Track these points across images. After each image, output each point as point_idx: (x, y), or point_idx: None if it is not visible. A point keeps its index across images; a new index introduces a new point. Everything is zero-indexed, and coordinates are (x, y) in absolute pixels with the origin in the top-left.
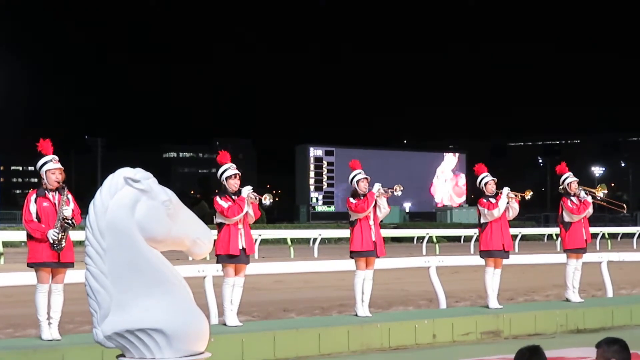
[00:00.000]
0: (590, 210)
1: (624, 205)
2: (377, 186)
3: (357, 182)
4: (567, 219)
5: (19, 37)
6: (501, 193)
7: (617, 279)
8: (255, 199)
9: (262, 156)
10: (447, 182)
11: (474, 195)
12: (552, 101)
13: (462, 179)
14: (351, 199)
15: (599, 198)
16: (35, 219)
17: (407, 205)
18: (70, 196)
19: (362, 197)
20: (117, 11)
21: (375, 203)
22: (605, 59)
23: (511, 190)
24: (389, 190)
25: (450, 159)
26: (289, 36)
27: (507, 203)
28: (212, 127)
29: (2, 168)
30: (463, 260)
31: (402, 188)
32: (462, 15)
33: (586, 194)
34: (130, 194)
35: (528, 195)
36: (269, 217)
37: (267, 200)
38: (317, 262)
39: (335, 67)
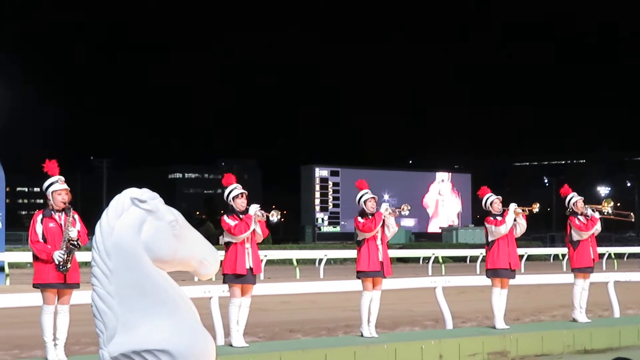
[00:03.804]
0: (598, 227)
1: (631, 213)
2: (384, 205)
3: (365, 201)
4: (575, 237)
5: (26, 58)
6: (508, 209)
7: (624, 299)
8: (263, 216)
9: (267, 177)
10: None
11: (480, 215)
12: (557, 120)
13: None
14: (359, 219)
15: (606, 213)
16: (41, 240)
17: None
18: (76, 217)
19: (370, 217)
20: (122, 33)
21: (383, 222)
22: (611, 76)
23: (518, 206)
24: (397, 210)
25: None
26: (290, 59)
27: (515, 219)
28: (218, 148)
29: (8, 189)
30: (469, 280)
31: (409, 207)
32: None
33: (593, 211)
34: (137, 215)
35: (535, 208)
36: (275, 237)
37: (274, 217)
38: (323, 283)
39: (341, 87)
